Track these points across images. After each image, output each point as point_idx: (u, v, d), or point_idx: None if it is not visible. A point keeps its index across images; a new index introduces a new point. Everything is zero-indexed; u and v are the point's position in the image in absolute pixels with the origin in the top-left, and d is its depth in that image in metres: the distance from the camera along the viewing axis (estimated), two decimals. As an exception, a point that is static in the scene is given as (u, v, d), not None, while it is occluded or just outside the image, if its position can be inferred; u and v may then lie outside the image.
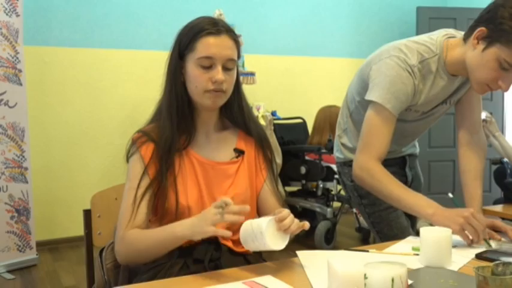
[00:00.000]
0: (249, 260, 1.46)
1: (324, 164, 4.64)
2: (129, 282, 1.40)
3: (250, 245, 1.25)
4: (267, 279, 1.20)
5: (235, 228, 1.35)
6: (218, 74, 1.38)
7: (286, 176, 4.81)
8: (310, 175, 4.70)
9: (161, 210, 1.41)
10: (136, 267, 1.40)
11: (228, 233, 1.20)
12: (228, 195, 1.46)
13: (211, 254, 1.39)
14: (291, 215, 1.26)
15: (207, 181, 1.46)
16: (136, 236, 1.33)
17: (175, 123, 1.42)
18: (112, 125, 4.90)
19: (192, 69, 1.40)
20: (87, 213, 1.61)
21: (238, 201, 1.44)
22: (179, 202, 1.39)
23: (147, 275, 1.36)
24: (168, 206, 1.40)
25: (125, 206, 1.38)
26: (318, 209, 4.67)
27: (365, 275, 0.97)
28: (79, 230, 1.79)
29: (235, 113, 1.52)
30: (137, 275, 1.39)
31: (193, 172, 1.45)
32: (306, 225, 1.27)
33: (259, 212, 1.55)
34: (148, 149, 1.41)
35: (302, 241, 4.46)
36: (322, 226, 4.41)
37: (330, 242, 4.42)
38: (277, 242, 1.22)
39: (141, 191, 1.38)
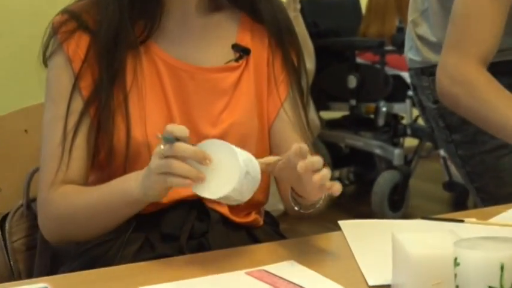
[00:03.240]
0: (256, 235, 1.49)
1: (390, 71, 4.66)
2: (52, 272, 1.44)
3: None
4: (286, 267, 1.22)
5: None
6: None
7: (323, 92, 4.83)
8: (364, 91, 4.71)
9: (104, 150, 1.44)
10: (64, 248, 1.45)
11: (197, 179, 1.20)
12: (221, 124, 1.48)
13: (191, 225, 1.41)
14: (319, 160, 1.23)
15: (184, 100, 1.47)
16: (69, 198, 1.38)
17: None
18: (17, 3, 4.87)
19: None
20: (-25, 155, 1.62)
21: (237, 136, 1.46)
22: (131, 136, 1.41)
23: (82, 261, 1.39)
24: (115, 143, 1.42)
25: (49, 147, 1.40)
26: (378, 151, 4.72)
27: (455, 259, 0.97)
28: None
29: None
30: (66, 261, 1.43)
31: (159, 84, 1.46)
32: (336, 187, 1.25)
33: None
34: (80, 45, 1.43)
35: (348, 205, 4.48)
36: (386, 180, 4.48)
37: (398, 206, 4.49)
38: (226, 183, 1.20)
39: (73, 120, 1.40)
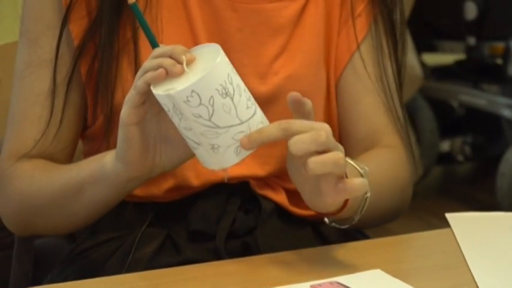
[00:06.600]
0: (325, 233, 1.29)
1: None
2: (36, 282, 1.31)
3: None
4: (369, 279, 1.08)
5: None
6: None
7: (426, 26, 4.44)
8: (489, 23, 4.22)
9: (102, 114, 1.25)
10: (52, 249, 1.37)
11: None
12: (273, 77, 1.28)
13: (232, 218, 1.24)
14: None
15: (221, 41, 1.21)
16: (37, 173, 1.22)
17: None
18: None
19: None
20: None
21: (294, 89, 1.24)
22: None
23: (77, 267, 1.24)
24: (118, 101, 1.20)
25: (25, 104, 1.25)
26: (507, 112, 4.29)
27: None
28: None
29: None
30: (55, 266, 1.29)
31: (184, 16, 1.27)
32: (352, 185, 1.01)
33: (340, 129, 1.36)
34: None
35: (461, 192, 4.25)
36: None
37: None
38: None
39: (65, 69, 1.23)
